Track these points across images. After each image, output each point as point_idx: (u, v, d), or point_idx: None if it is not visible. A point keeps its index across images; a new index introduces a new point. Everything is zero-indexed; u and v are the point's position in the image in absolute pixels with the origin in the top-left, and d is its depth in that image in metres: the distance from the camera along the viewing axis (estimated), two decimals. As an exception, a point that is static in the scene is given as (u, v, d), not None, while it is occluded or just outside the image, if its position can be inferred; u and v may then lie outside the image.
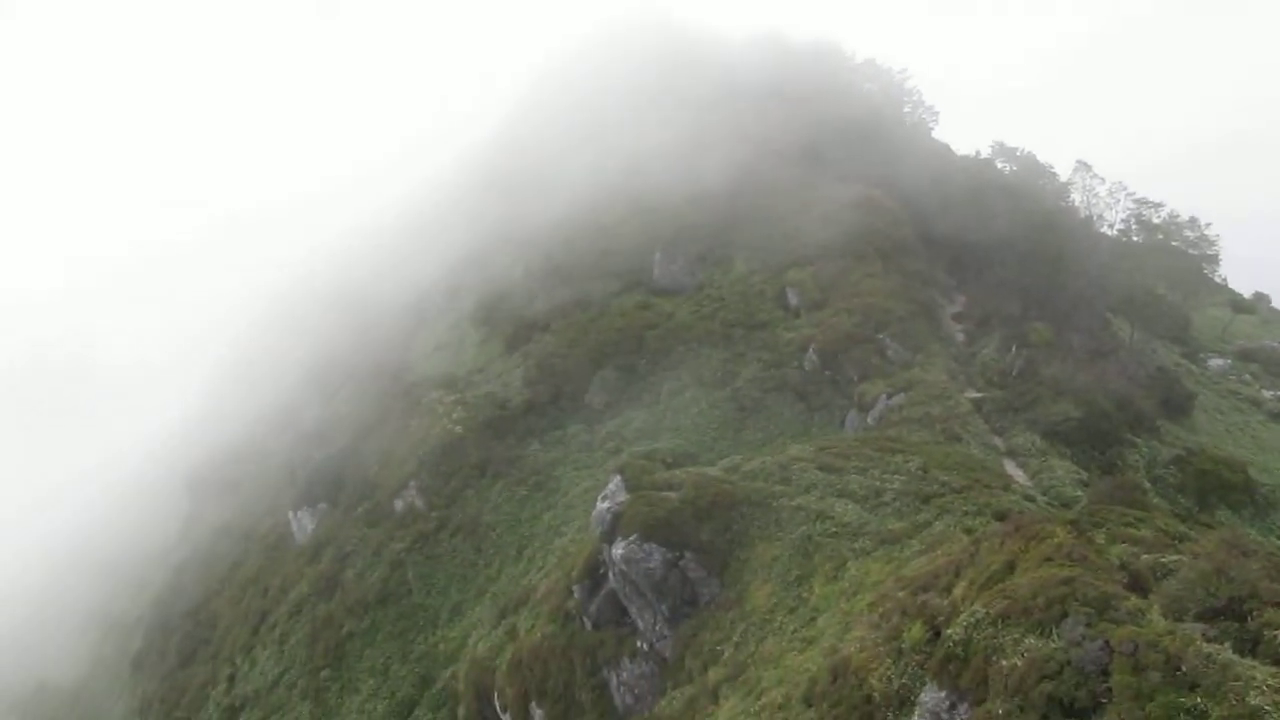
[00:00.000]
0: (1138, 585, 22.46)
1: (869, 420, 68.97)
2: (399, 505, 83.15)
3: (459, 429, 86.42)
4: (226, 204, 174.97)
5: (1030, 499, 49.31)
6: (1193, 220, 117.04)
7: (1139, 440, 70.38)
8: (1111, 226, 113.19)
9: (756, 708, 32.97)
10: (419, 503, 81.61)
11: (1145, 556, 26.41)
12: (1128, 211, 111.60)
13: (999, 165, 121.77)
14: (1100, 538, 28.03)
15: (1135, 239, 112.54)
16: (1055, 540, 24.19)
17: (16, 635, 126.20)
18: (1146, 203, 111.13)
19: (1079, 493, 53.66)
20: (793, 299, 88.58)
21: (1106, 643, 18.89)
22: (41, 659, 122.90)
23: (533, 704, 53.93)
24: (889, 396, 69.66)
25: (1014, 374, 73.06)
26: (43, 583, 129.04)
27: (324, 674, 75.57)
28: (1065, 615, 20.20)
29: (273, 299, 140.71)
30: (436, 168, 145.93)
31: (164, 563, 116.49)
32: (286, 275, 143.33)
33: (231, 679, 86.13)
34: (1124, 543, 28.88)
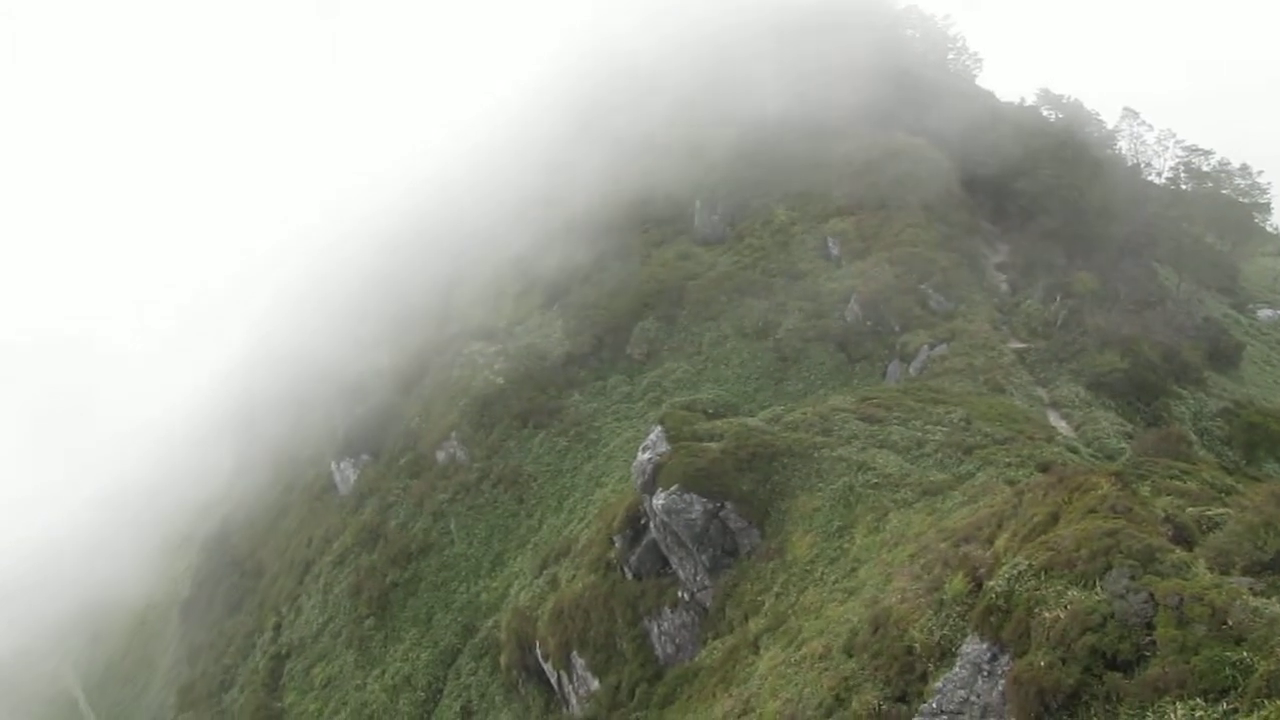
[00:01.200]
0: (1183, 538, 22.25)
1: (911, 371, 68.57)
2: (440, 456, 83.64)
3: (500, 380, 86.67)
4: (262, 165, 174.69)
5: (1074, 451, 48.95)
6: (1244, 168, 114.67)
7: (1185, 392, 69.46)
8: (1159, 174, 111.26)
9: (797, 658, 33.03)
10: (460, 454, 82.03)
11: (1191, 509, 26.15)
12: (1176, 159, 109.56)
13: (1044, 113, 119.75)
14: (1145, 490, 27.77)
15: (1184, 187, 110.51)
16: (1099, 492, 23.95)
17: (68, 583, 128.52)
18: (1196, 150, 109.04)
19: (1124, 445, 53.20)
20: (834, 249, 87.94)
21: (1151, 595, 18.73)
22: (95, 607, 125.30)
23: (574, 653, 54.30)
24: (931, 347, 69.20)
25: (1058, 324, 72.29)
26: (98, 532, 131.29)
27: (368, 623, 76.44)
28: (1109, 568, 20.03)
29: (312, 254, 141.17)
30: (475, 125, 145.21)
31: (211, 513, 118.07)
32: (324, 232, 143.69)
33: (277, 627, 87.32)
34: (1169, 495, 28.61)
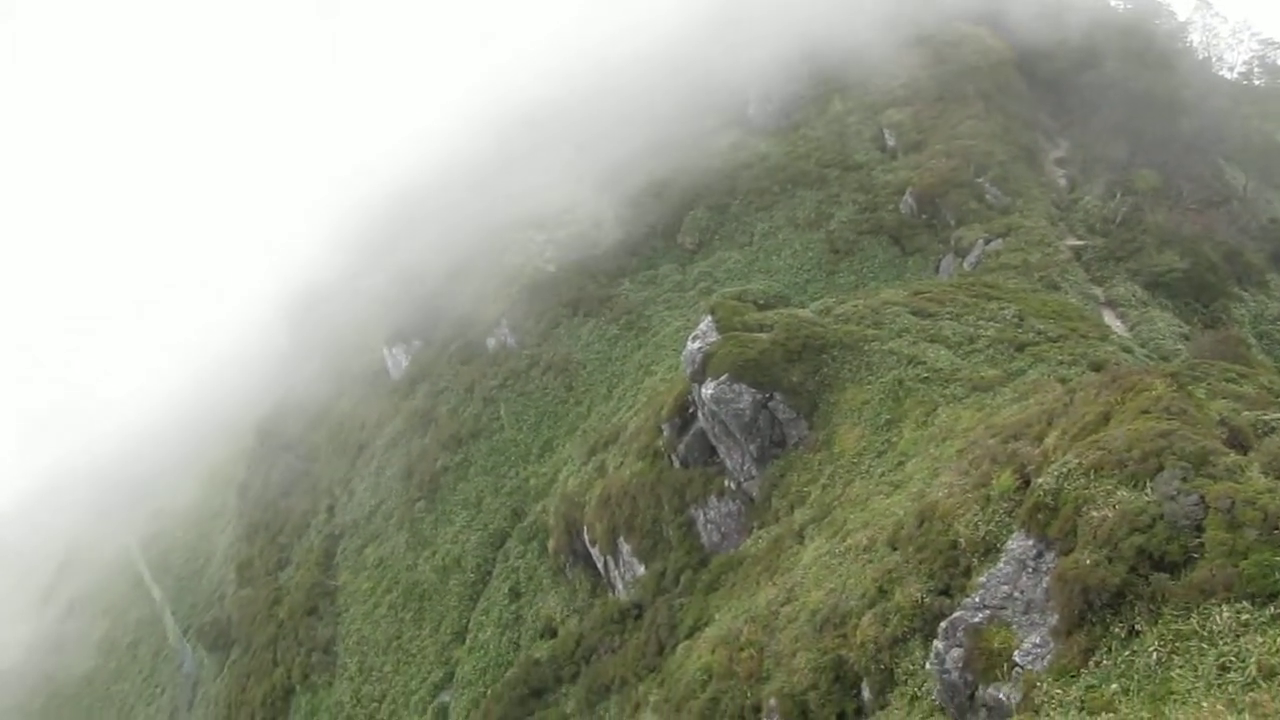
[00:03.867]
0: (1237, 442, 22.01)
1: (965, 265, 67.89)
2: (491, 343, 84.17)
3: (550, 268, 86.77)
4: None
5: (1128, 350, 48.45)
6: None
7: (1246, 294, 68.22)
8: (1231, 69, 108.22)
9: (842, 549, 33.29)
10: (511, 340, 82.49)
11: (1246, 413, 25.87)
12: (1251, 53, 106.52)
13: (1112, 3, 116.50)
14: (1200, 392, 27.52)
15: (1257, 83, 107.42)
16: (1153, 393, 23.69)
17: (131, 466, 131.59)
18: (1272, 43, 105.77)
19: (1180, 346, 52.68)
20: (890, 140, 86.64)
21: (1202, 498, 18.61)
22: (156, 488, 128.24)
23: (620, 539, 55.03)
24: (986, 242, 68.38)
25: (1117, 222, 71.05)
26: (160, 415, 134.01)
27: (419, 505, 77.73)
28: (1160, 469, 19.88)
29: (363, 140, 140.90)
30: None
31: (266, 397, 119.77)
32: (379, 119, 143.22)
33: (331, 509, 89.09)
34: (1225, 398, 28.34)
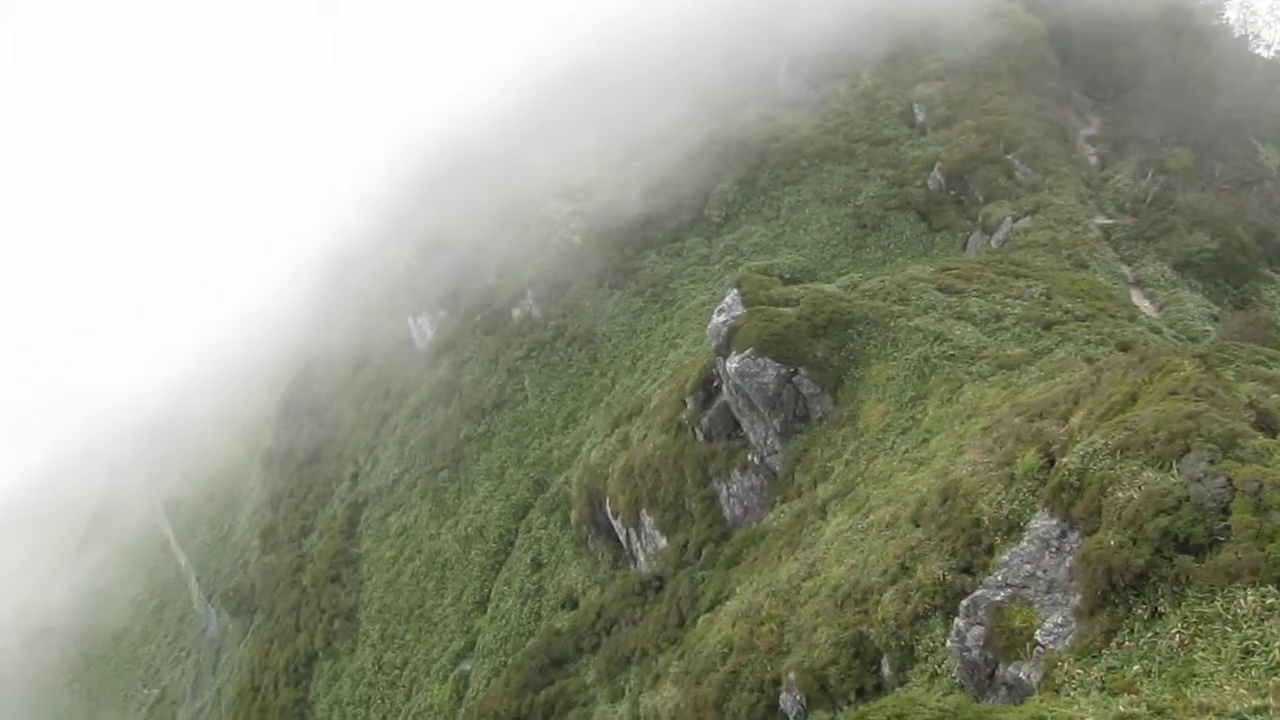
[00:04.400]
0: (1266, 425, 21.84)
1: (993, 243, 67.48)
2: (516, 313, 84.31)
3: (576, 239, 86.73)
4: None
5: (1156, 331, 48.15)
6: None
7: (1277, 276, 67.52)
8: (1269, 47, 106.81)
9: (864, 525, 33.27)
10: (536, 311, 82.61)
11: (1275, 396, 25.70)
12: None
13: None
14: (1229, 374, 27.29)
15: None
16: (1182, 374, 23.53)
17: (157, 431, 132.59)
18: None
19: (1209, 327, 52.22)
20: (920, 115, 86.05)
21: (1229, 480, 18.48)
22: (183, 453, 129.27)
23: (643, 511, 55.18)
24: (1015, 219, 67.93)
25: (1148, 201, 70.41)
26: (187, 381, 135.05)
27: (442, 475, 78.11)
28: (1188, 450, 19.76)
29: (389, 113, 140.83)
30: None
31: (291, 365, 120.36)
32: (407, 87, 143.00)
33: (355, 477, 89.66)
34: (1254, 381, 28.10)
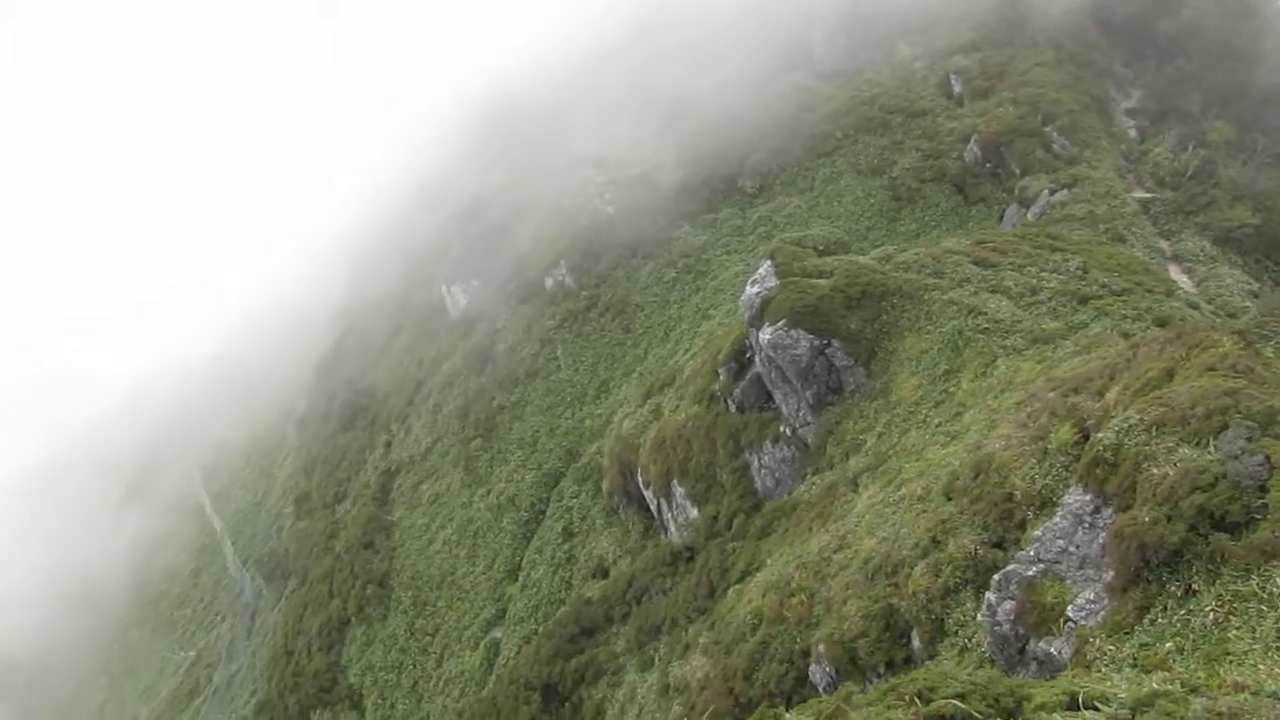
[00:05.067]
0: (1304, 401, 21.64)
1: (1029, 216, 66.95)
2: (549, 283, 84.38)
3: (610, 209, 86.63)
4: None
5: (1194, 306, 47.72)
6: None
7: (1319, 251, 66.80)
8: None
9: (896, 498, 33.22)
10: (569, 281, 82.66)
11: (1315, 371, 25.41)
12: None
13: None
14: (1268, 351, 27.00)
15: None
16: (1220, 350, 23.28)
17: (188, 401, 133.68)
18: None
19: (1248, 303, 51.68)
20: (956, 87, 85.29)
21: (1266, 458, 18.29)
22: (217, 419, 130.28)
23: (675, 482, 55.28)
24: (1052, 192, 67.34)
25: (1188, 175, 69.57)
26: (223, 350, 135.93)
27: (474, 443, 78.43)
28: (1225, 427, 19.56)
29: (430, 75, 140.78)
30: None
31: (326, 332, 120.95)
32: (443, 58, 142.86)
33: (388, 444, 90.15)
34: (1293, 356, 27.79)
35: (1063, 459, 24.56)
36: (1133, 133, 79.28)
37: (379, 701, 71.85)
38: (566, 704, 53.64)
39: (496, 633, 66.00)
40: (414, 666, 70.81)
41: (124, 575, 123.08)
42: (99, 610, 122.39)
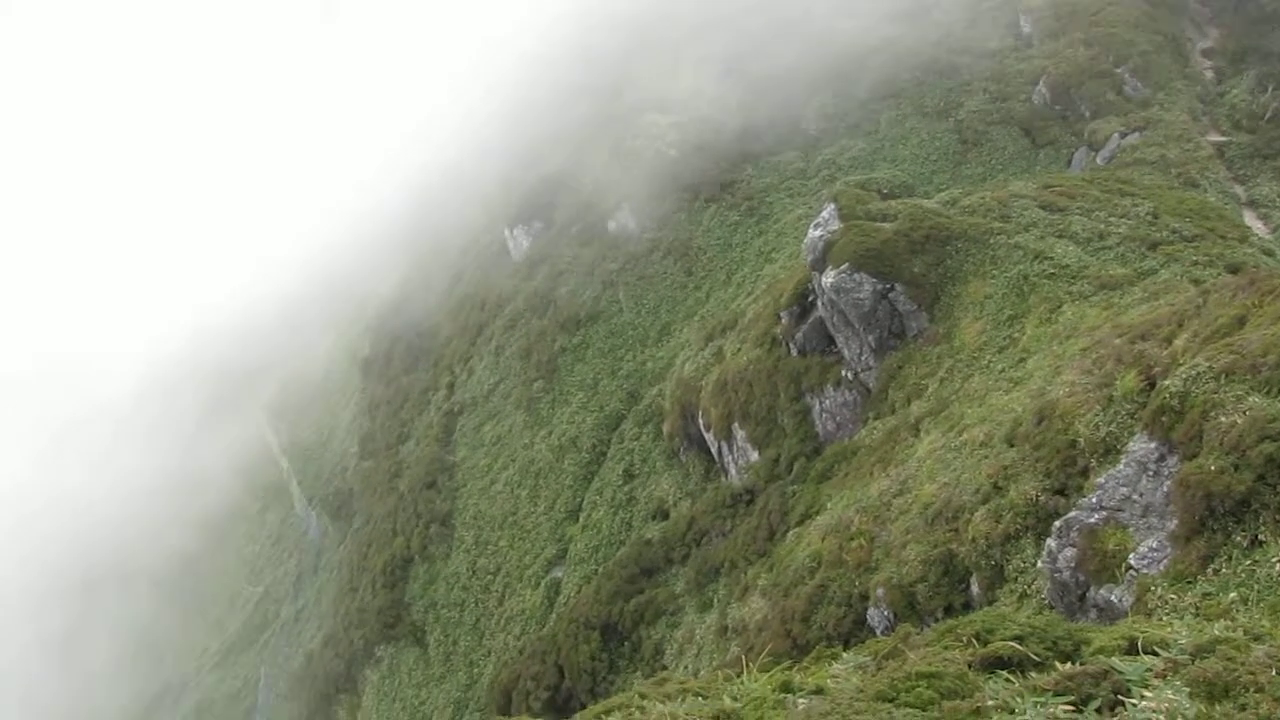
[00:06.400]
0: (1379, 349, 21.22)
1: (1098, 160, 65.79)
2: (612, 226, 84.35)
3: (672, 152, 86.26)
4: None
5: (1268, 253, 46.69)
6: None
7: (1400, 196, 65.05)
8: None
9: (957, 443, 33.05)
10: (631, 224, 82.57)
11: (1391, 319, 24.89)
12: None
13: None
14: (1343, 297, 26.46)
15: None
16: (1293, 297, 22.90)
17: (266, 334, 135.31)
18: None
19: (1324, 248, 50.55)
20: (1026, 27, 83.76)
21: (1338, 407, 18.06)
22: (287, 356, 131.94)
23: (735, 425, 55.38)
24: (1123, 135, 66.09)
25: (1266, 118, 67.88)
26: (287, 290, 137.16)
27: (536, 385, 78.92)
28: (1296, 375, 19.30)
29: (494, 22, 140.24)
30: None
31: (388, 276, 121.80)
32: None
33: (451, 386, 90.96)
34: (1369, 303, 27.22)
35: (1128, 406, 24.25)
36: (1209, 73, 77.43)
37: (441, 638, 73.05)
38: (625, 643, 54.23)
39: (557, 572, 66.73)
40: (476, 604, 71.83)
41: (192, 509, 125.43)
42: (173, 542, 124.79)
